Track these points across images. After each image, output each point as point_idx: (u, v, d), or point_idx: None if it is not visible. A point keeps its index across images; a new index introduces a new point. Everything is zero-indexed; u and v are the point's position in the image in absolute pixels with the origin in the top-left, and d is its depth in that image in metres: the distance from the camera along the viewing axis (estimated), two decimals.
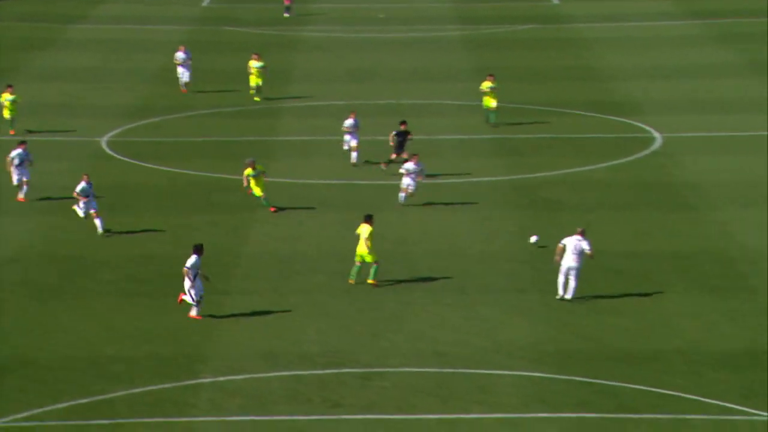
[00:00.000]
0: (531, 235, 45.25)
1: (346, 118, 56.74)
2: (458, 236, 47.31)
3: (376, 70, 78.50)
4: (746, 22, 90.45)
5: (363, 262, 41.52)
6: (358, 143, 55.96)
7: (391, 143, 55.10)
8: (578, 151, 59.04)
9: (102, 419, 32.93)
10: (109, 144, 60.67)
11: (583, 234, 39.92)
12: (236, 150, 58.51)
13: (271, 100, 68.85)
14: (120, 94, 71.47)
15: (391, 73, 77.54)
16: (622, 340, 37.61)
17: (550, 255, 41.51)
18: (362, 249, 41.40)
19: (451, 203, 50.94)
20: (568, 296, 39.83)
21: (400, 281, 42.29)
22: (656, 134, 61.60)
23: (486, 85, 60.33)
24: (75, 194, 47.38)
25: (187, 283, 39.04)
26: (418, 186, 50.25)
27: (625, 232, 47.64)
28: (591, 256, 40.03)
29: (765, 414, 32.43)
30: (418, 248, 46.08)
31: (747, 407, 32.97)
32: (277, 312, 40.08)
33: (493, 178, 54.60)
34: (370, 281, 41.47)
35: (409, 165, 50.27)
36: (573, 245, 39.59)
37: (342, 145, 56.64)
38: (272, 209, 49.64)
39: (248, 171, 49.75)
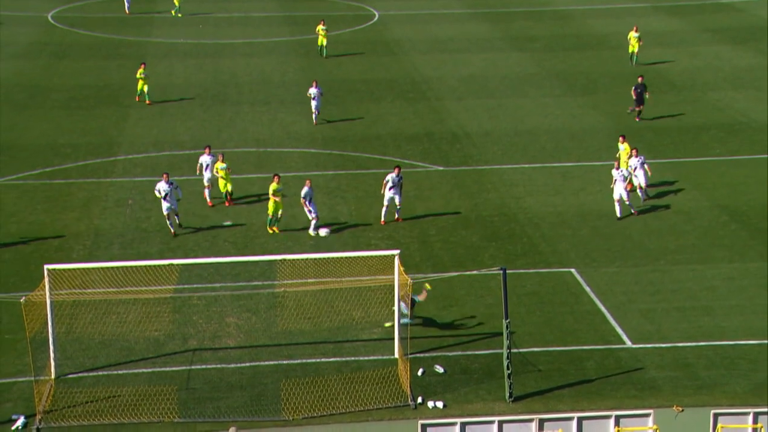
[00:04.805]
0: None
1: (310, 87, 41.18)
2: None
3: None
4: None
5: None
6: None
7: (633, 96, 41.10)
8: (335, 20, 59.82)
9: (60, 179, 34.36)
10: None
11: None
12: None
13: None
14: None
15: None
16: (359, 129, 39.61)
17: None
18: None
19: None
20: None
21: None
22: (375, 12, 63.34)
23: (632, 35, 51.65)
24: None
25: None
26: None
27: (414, 67, 49.78)
28: None
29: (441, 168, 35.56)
30: None
31: (426, 163, 35.89)
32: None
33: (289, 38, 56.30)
34: None
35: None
36: None
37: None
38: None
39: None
